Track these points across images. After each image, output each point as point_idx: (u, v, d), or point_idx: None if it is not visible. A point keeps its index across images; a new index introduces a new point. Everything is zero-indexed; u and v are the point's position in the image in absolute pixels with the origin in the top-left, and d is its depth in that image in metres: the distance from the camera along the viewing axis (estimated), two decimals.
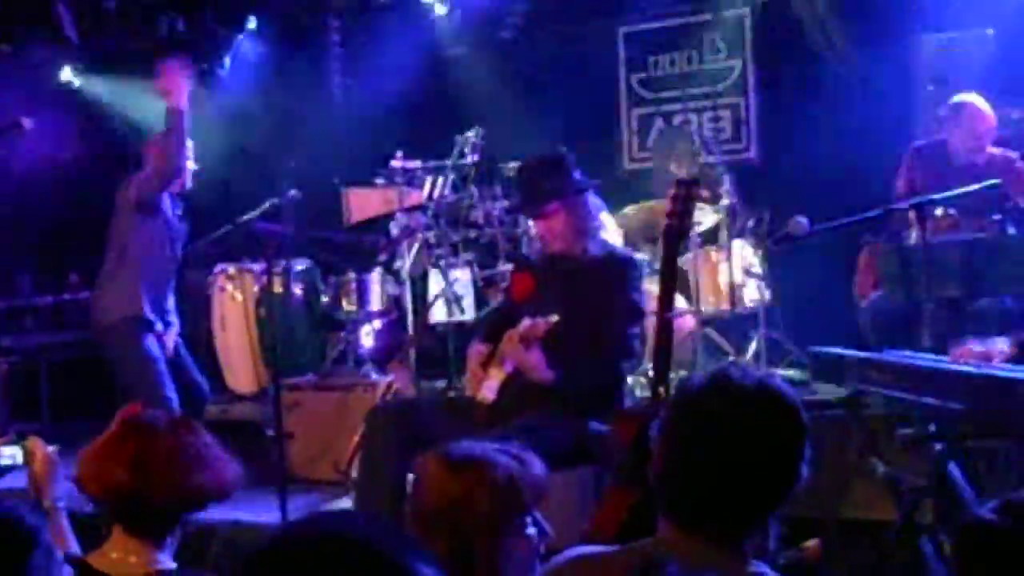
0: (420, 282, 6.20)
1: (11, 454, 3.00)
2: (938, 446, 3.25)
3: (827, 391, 4.43)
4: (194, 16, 7.47)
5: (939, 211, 4.50)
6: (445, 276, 5.97)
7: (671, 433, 1.91)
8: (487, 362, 3.97)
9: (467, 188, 6.19)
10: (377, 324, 6.23)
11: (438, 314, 6.01)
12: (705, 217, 5.81)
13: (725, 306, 5.78)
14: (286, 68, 7.90)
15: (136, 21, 7.25)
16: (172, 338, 5.14)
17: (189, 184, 5.13)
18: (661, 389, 3.23)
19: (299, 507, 4.59)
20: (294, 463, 5.28)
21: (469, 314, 6.04)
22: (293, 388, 5.64)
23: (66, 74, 7.88)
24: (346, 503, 4.71)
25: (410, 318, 6.04)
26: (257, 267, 6.38)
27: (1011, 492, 1.74)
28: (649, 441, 2.87)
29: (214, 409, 5.94)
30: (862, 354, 3.47)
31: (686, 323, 5.64)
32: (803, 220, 4.89)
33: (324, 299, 6.40)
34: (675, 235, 3.38)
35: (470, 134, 6.12)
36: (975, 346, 3.34)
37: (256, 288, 6.39)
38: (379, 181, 6.43)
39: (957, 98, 5.16)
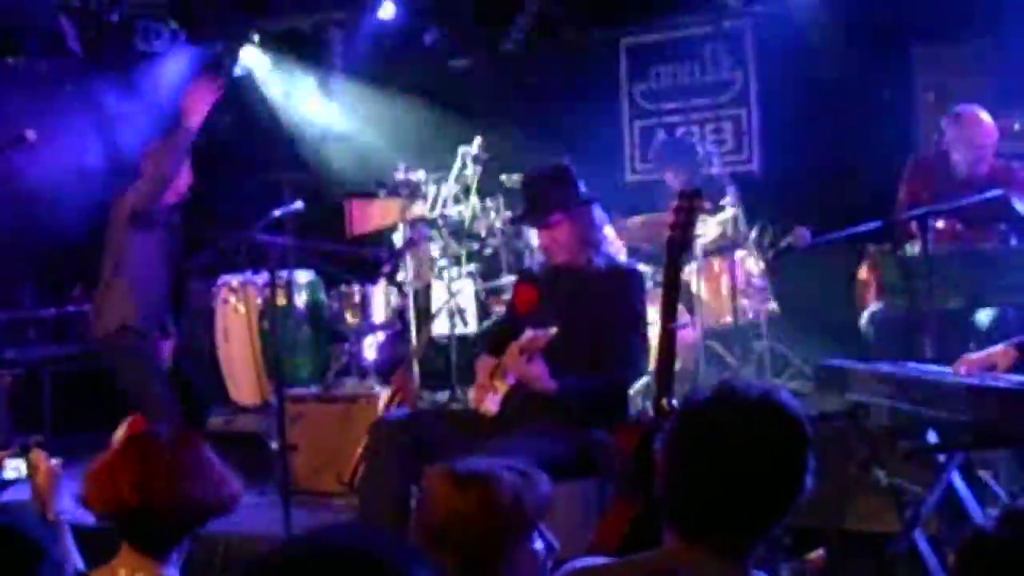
0: (423, 294, 6.21)
1: (14, 467, 3.01)
2: (941, 457, 3.25)
3: (830, 402, 4.43)
4: (197, 29, 7.50)
5: (940, 223, 4.51)
6: (448, 288, 5.97)
7: (676, 445, 1.92)
8: (493, 374, 3.97)
9: (470, 200, 6.20)
10: (380, 336, 6.23)
11: (441, 326, 6.02)
12: (708, 228, 5.81)
13: (728, 317, 5.79)
14: (289, 79, 7.92)
15: (139, 34, 7.27)
16: (170, 347, 5.15)
17: (187, 195, 5.14)
18: (664, 400, 3.23)
19: (303, 519, 4.58)
20: (297, 475, 5.28)
21: (472, 326, 6.04)
22: (296, 400, 5.64)
23: (69, 87, 7.89)
24: (350, 515, 4.71)
25: (413, 330, 6.04)
26: (260, 279, 6.38)
27: (1013, 502, 1.75)
28: (652, 452, 2.88)
29: (218, 421, 5.95)
30: (865, 366, 3.47)
31: (688, 334, 5.65)
32: (805, 231, 4.91)
33: (327, 311, 6.41)
34: (678, 246, 3.39)
35: (473, 146, 6.14)
36: (975, 355, 3.34)
37: (259, 300, 6.40)
38: (382, 193, 6.44)
39: (958, 108, 5.17)
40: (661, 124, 7.51)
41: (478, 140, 6.16)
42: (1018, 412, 2.79)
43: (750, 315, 5.80)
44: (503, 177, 6.22)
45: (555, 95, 7.41)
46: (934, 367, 3.39)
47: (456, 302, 5.95)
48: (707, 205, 5.63)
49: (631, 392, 4.19)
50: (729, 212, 5.85)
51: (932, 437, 3.41)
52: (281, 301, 6.03)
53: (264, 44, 7.79)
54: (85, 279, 7.14)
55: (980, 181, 4.88)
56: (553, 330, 3.67)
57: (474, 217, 6.20)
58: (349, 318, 6.13)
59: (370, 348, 6.19)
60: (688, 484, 1.88)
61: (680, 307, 4.04)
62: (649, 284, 5.01)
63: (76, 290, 7.51)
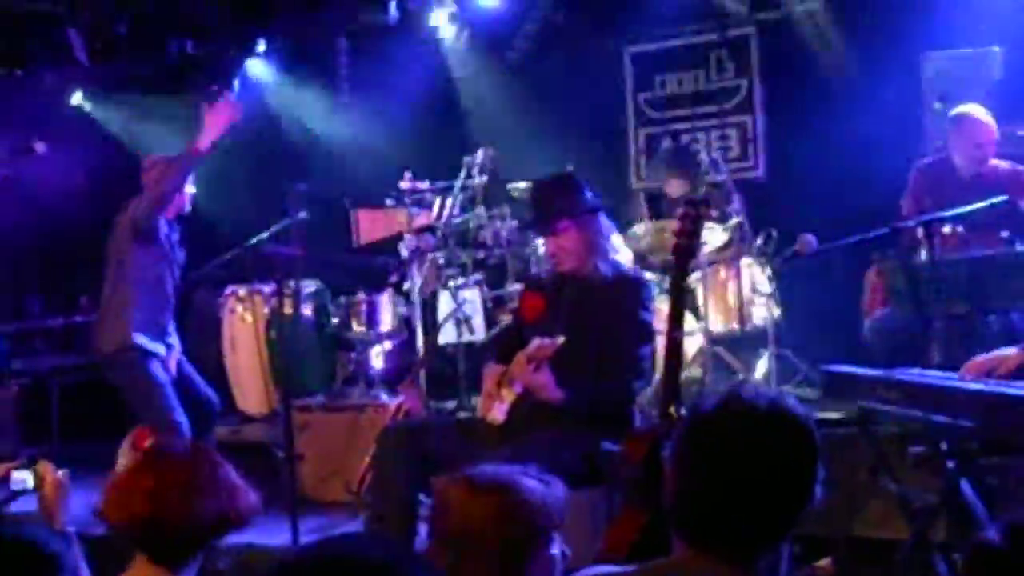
0: (430, 303, 6.21)
1: (22, 479, 3.01)
2: (950, 464, 3.23)
3: (837, 409, 4.43)
4: (204, 39, 7.52)
5: (947, 228, 4.50)
6: (455, 297, 5.98)
7: (684, 453, 1.92)
8: (500, 382, 3.97)
9: (476, 209, 6.21)
10: (387, 345, 6.24)
11: (448, 335, 6.02)
12: (713, 236, 5.81)
13: (734, 324, 5.78)
14: (295, 90, 7.94)
15: (147, 44, 7.29)
16: (174, 359, 5.15)
17: (188, 208, 5.16)
18: (671, 408, 3.23)
19: (311, 529, 4.59)
20: (305, 484, 5.28)
21: (479, 335, 6.05)
22: (304, 409, 5.65)
23: (77, 98, 7.93)
24: (357, 524, 4.71)
25: (420, 339, 6.05)
26: (267, 289, 6.40)
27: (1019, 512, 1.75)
28: (660, 460, 2.87)
29: (224, 431, 5.96)
30: (872, 372, 3.47)
31: (695, 342, 5.64)
32: (811, 238, 4.91)
33: (334, 320, 6.42)
34: (684, 254, 3.39)
35: (479, 155, 6.15)
36: (981, 357, 3.33)
37: (266, 310, 6.42)
38: (388, 202, 6.45)
39: (957, 109, 5.17)
40: (667, 132, 7.51)
41: (483, 149, 6.17)
42: None
43: (756, 322, 5.79)
44: (509, 186, 6.24)
45: (561, 104, 7.41)
46: (941, 373, 3.38)
47: (463, 311, 5.95)
48: (713, 212, 5.64)
49: (638, 400, 4.18)
50: (735, 219, 5.85)
51: (941, 444, 3.40)
52: (288, 310, 6.05)
53: (270, 54, 7.81)
54: (92, 290, 7.16)
55: (985, 184, 4.88)
56: (560, 339, 3.67)
57: (480, 226, 6.20)
58: (356, 327, 6.15)
59: (377, 357, 6.19)
60: (696, 492, 1.88)
61: (686, 315, 4.05)
62: (655, 292, 5.01)
63: (83, 301, 7.54)
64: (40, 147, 5.37)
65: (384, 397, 5.80)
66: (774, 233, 5.82)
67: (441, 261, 6.09)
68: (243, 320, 6.47)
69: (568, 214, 3.92)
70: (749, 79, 7.30)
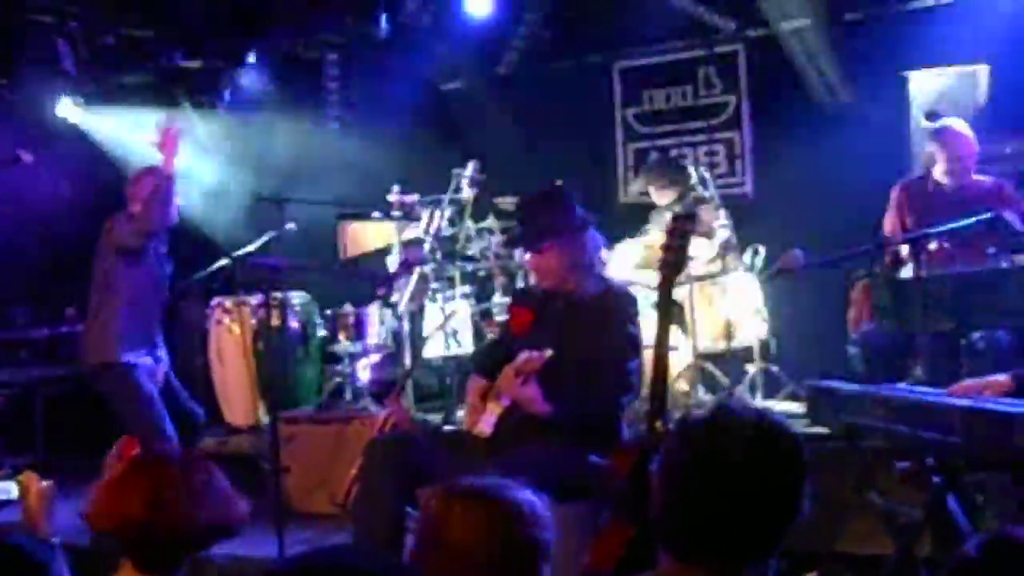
0: (417, 316, 6.21)
1: (6, 488, 3.00)
2: (935, 479, 3.25)
3: (823, 424, 4.44)
4: (193, 50, 7.52)
5: (933, 244, 4.52)
6: (442, 310, 5.98)
7: (671, 467, 1.92)
8: (486, 396, 3.97)
9: (464, 222, 6.22)
10: (374, 357, 6.23)
11: (435, 348, 6.02)
12: (701, 251, 5.83)
13: (721, 339, 5.79)
14: (284, 102, 7.94)
15: (135, 55, 7.29)
16: (161, 371, 5.15)
17: (175, 219, 5.16)
18: (658, 422, 3.23)
19: (297, 541, 4.58)
20: (291, 496, 5.27)
21: (466, 348, 6.05)
22: (290, 421, 5.64)
23: (64, 108, 7.91)
24: (344, 537, 4.69)
25: (407, 352, 6.04)
26: (254, 300, 6.39)
27: (1008, 526, 1.76)
28: (647, 474, 2.88)
29: (211, 442, 5.94)
30: (858, 388, 3.48)
31: (682, 357, 5.65)
32: (798, 253, 4.92)
33: (321, 332, 6.41)
34: (671, 269, 3.40)
35: (467, 168, 6.16)
36: (970, 381, 3.35)
37: (253, 321, 6.41)
38: (376, 215, 6.45)
39: (938, 123, 5.21)
40: (654, 147, 7.55)
41: (472, 163, 6.18)
42: (1011, 435, 2.79)
43: (743, 337, 5.81)
44: (497, 200, 6.24)
45: (549, 118, 7.44)
46: (927, 389, 3.40)
47: (450, 324, 5.95)
48: (700, 228, 5.65)
49: (625, 414, 4.19)
50: (722, 235, 5.87)
51: (927, 459, 3.41)
52: (275, 322, 6.03)
53: (260, 66, 7.80)
54: (78, 301, 7.14)
55: (968, 198, 4.91)
56: (548, 352, 3.67)
57: (468, 239, 6.21)
58: (343, 339, 6.14)
59: (364, 370, 6.19)
60: (683, 506, 1.88)
61: (673, 329, 4.06)
62: (642, 307, 5.02)
63: (69, 311, 7.51)
64: (26, 157, 5.35)
65: (371, 409, 5.80)
66: (761, 249, 5.85)
67: (429, 274, 6.09)
68: (230, 332, 6.46)
69: (552, 233, 3.91)
70: (737, 95, 7.34)
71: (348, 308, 6.16)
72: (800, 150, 6.47)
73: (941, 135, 5.12)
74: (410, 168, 6.92)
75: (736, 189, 7.21)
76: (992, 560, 1.69)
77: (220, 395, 6.49)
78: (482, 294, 6.36)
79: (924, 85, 6.02)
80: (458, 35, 7.32)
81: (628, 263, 5.96)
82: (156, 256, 5.14)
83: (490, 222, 6.23)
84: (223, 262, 6.04)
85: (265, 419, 5.71)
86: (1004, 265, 4.66)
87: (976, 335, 4.45)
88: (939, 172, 5.11)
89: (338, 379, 6.22)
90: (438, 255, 6.09)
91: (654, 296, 4.98)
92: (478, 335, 6.15)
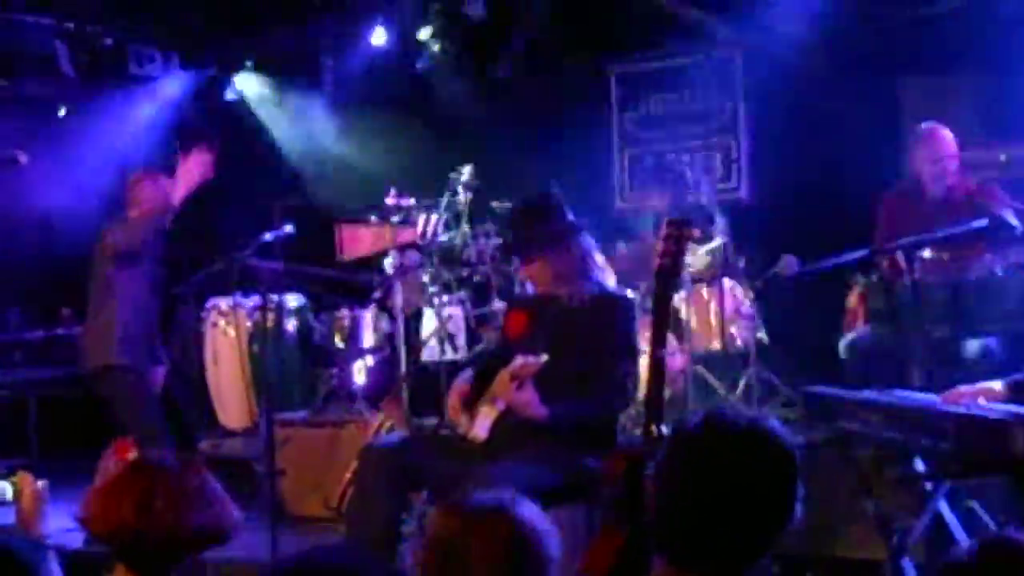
0: (413, 320, 6.21)
1: (0, 489, 3.00)
2: (928, 485, 3.26)
3: (817, 430, 4.45)
4: (190, 54, 7.52)
5: (927, 252, 4.53)
6: (438, 314, 5.98)
7: (666, 472, 1.93)
8: (474, 398, 3.97)
9: (460, 226, 6.22)
10: (370, 361, 6.23)
11: (431, 352, 6.02)
12: (696, 256, 5.84)
13: (716, 344, 5.80)
14: (281, 105, 7.95)
15: (133, 58, 7.29)
16: (161, 374, 5.15)
17: (167, 223, 5.17)
18: (653, 427, 3.23)
19: (291, 544, 4.56)
20: (285, 500, 5.26)
21: (462, 352, 6.05)
22: (285, 424, 5.63)
23: (62, 111, 7.91)
24: (337, 540, 4.69)
25: (403, 355, 6.04)
26: (250, 303, 6.38)
27: (999, 530, 1.77)
28: (642, 479, 2.88)
29: (205, 445, 5.94)
30: (852, 393, 3.49)
31: (677, 361, 5.66)
32: (793, 259, 4.94)
33: (317, 335, 6.41)
34: (667, 274, 3.40)
35: (464, 173, 6.16)
36: (964, 388, 3.36)
37: (249, 324, 6.40)
38: (372, 218, 6.45)
39: (921, 127, 5.22)
40: (651, 152, 7.56)
41: (469, 167, 6.19)
42: (1004, 441, 2.81)
43: (738, 343, 5.82)
44: (494, 204, 6.25)
45: (546, 123, 7.45)
46: (921, 395, 3.41)
47: (446, 328, 5.96)
48: (696, 233, 5.66)
49: (620, 419, 4.19)
50: (718, 240, 5.88)
51: (919, 465, 3.42)
52: (271, 325, 6.03)
53: (257, 69, 7.81)
54: (73, 302, 7.13)
55: (955, 202, 4.93)
56: (544, 357, 3.67)
57: (464, 243, 6.21)
58: (338, 343, 6.14)
59: (359, 373, 6.18)
60: (678, 511, 1.89)
61: (669, 335, 4.06)
62: (638, 312, 5.03)
63: (64, 312, 7.49)
64: (22, 157, 5.36)
65: (366, 413, 5.79)
66: (756, 254, 5.86)
67: (425, 278, 6.10)
68: (225, 334, 6.45)
69: (541, 243, 3.90)
70: (733, 101, 7.35)
71: (344, 311, 6.16)
72: (795, 156, 6.49)
73: (922, 138, 5.14)
74: (407, 172, 6.92)
75: (732, 195, 7.23)
76: (986, 563, 1.70)
77: (215, 398, 6.49)
78: (478, 298, 6.36)
79: (917, 92, 6.04)
80: (455, 39, 7.33)
81: (623, 267, 5.97)
82: (154, 259, 5.14)
83: (487, 226, 6.23)
84: (219, 264, 6.03)
85: (260, 422, 5.70)
86: (999, 271, 4.68)
87: (970, 342, 4.46)
88: (923, 176, 5.13)
89: (333, 382, 6.22)
90: (434, 259, 6.09)
91: (649, 301, 5.00)
92: (474, 339, 6.15)
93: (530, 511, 2.06)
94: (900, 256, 4.22)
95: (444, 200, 6.12)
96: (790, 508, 1.88)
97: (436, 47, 7.46)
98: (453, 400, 3.98)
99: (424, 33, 7.46)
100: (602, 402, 3.83)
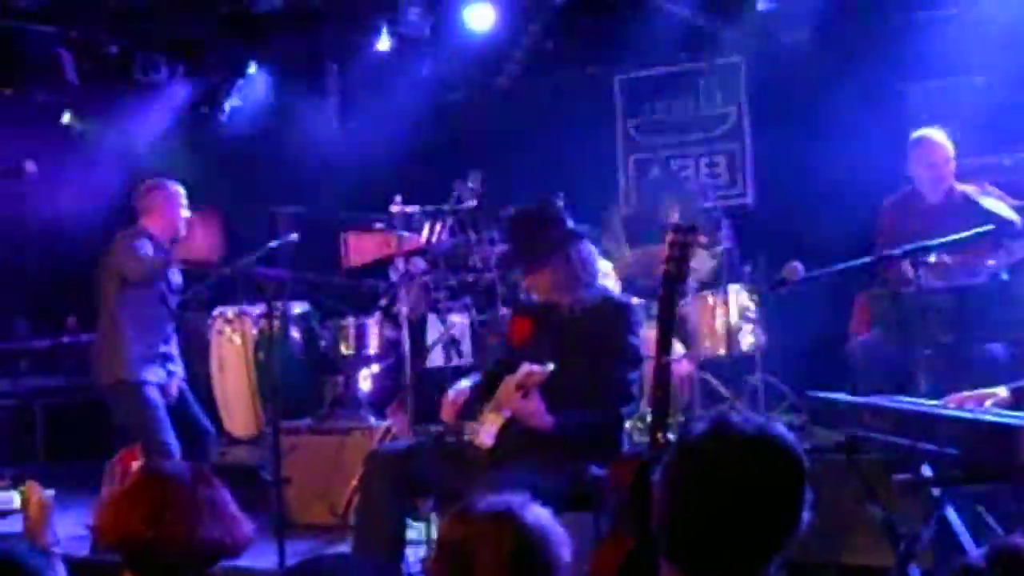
0: (418, 326, 6.21)
1: (7, 498, 3.00)
2: (936, 491, 3.25)
3: (824, 436, 4.44)
4: (195, 61, 7.54)
5: (933, 257, 4.52)
6: (443, 320, 5.98)
7: (673, 479, 1.92)
8: (479, 405, 3.97)
9: (465, 233, 6.22)
10: (375, 368, 6.23)
11: (436, 358, 6.02)
12: (702, 262, 5.84)
13: (722, 350, 5.80)
14: (285, 113, 7.96)
15: (138, 65, 7.31)
16: (175, 385, 5.15)
17: (183, 232, 5.18)
18: (659, 434, 3.23)
19: (297, 552, 4.57)
20: (290, 507, 5.26)
21: (467, 358, 6.04)
22: (290, 432, 5.63)
23: (66, 118, 7.93)
24: (343, 548, 4.69)
25: (408, 362, 6.04)
26: (256, 310, 6.39)
27: (1007, 536, 1.77)
28: (648, 485, 2.88)
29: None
30: (858, 399, 3.48)
31: (683, 368, 5.66)
32: (798, 265, 4.92)
33: (322, 343, 6.41)
34: (673, 280, 3.40)
35: (468, 179, 6.17)
36: (967, 393, 3.35)
37: (254, 331, 6.41)
38: (378, 225, 6.46)
39: (915, 134, 5.22)
40: (655, 158, 7.56)
41: (474, 174, 6.19)
42: (1012, 447, 2.80)
43: (744, 348, 5.82)
44: (499, 210, 6.25)
45: (551, 129, 7.46)
46: (927, 401, 3.40)
47: (451, 334, 5.96)
48: (702, 239, 5.66)
49: (626, 425, 4.18)
50: (723, 246, 5.88)
51: (927, 471, 3.41)
52: (276, 332, 6.04)
53: (261, 76, 7.83)
54: (79, 311, 7.14)
55: (954, 206, 4.93)
56: (550, 367, 3.66)
57: (470, 250, 6.21)
58: (344, 350, 6.14)
59: (365, 380, 6.19)
60: (685, 518, 1.88)
61: (675, 341, 4.06)
62: (643, 318, 5.02)
63: (70, 322, 7.51)
64: (30, 167, 5.38)
65: (371, 420, 5.79)
66: (762, 260, 5.85)
67: (430, 285, 6.10)
68: (231, 342, 6.46)
69: (540, 253, 3.90)
70: (738, 107, 7.36)
71: (349, 319, 6.17)
72: (800, 161, 6.48)
73: (917, 144, 5.15)
74: (412, 179, 6.93)
75: (737, 200, 7.22)
76: (998, 569, 1.69)
77: (221, 405, 6.49)
78: (483, 305, 6.36)
79: (922, 96, 6.04)
80: (459, 46, 7.34)
81: (627, 273, 5.97)
82: (167, 265, 5.15)
83: (491, 233, 6.23)
84: (225, 272, 6.04)
85: (266, 429, 5.70)
86: (1004, 275, 4.67)
87: (974, 348, 4.46)
88: (919, 181, 5.13)
89: (339, 390, 6.22)
90: (439, 266, 6.09)
91: (654, 307, 5.00)
92: (479, 346, 6.15)
93: (540, 515, 2.05)
94: (905, 264, 4.21)
95: (449, 207, 6.12)
96: (798, 514, 1.88)
97: (441, 55, 7.46)
98: (448, 410, 3.98)
99: (429, 41, 7.46)
100: (607, 408, 3.82)
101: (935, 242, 4.31)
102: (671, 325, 3.39)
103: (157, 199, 5.16)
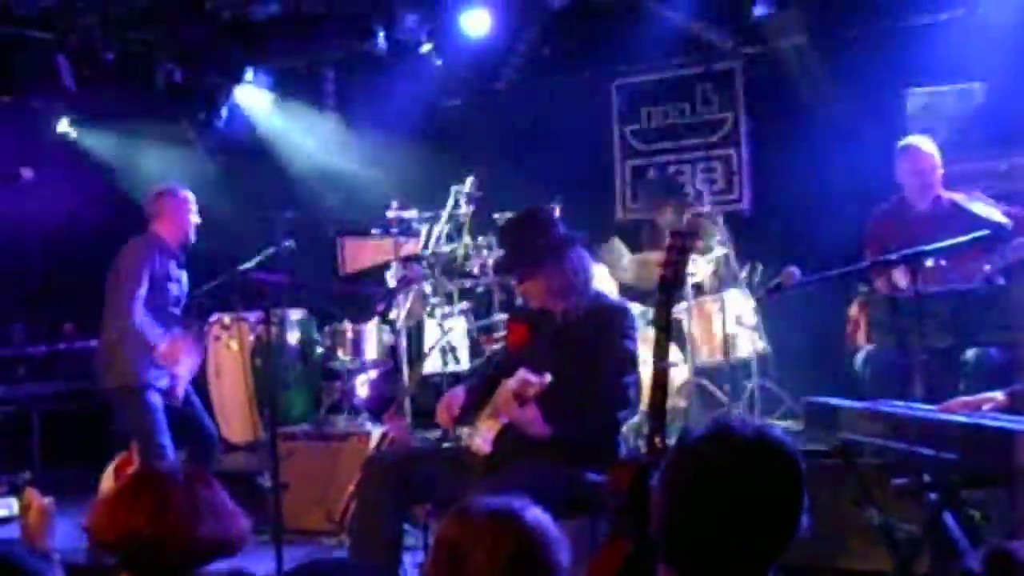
0: (415, 332, 6.21)
1: (6, 505, 3.00)
2: (932, 495, 3.25)
3: (820, 440, 4.44)
4: (192, 67, 7.54)
5: (929, 262, 4.54)
6: (440, 326, 5.98)
7: (671, 483, 1.92)
8: (476, 410, 3.97)
9: (462, 238, 6.23)
10: (372, 374, 6.23)
11: (433, 364, 6.02)
12: (698, 267, 5.85)
13: (719, 356, 5.80)
14: (283, 118, 7.97)
15: (134, 72, 7.31)
16: (181, 388, 5.15)
17: (192, 238, 5.21)
18: (656, 439, 3.23)
19: (295, 558, 4.56)
20: (288, 513, 5.25)
21: (464, 364, 6.05)
22: (287, 438, 5.63)
23: (64, 125, 7.93)
24: (340, 554, 4.69)
25: (405, 368, 6.05)
26: (253, 316, 6.39)
27: (1004, 540, 1.77)
28: (645, 490, 2.88)
29: None
30: (855, 404, 3.49)
31: (680, 373, 5.66)
32: (795, 270, 4.93)
33: (320, 349, 6.41)
34: (669, 285, 3.41)
35: (465, 185, 6.18)
36: (964, 398, 3.36)
37: (252, 337, 6.41)
38: (375, 231, 6.47)
39: (902, 142, 5.23)
40: (652, 164, 7.57)
41: (471, 179, 6.20)
42: (1008, 451, 2.80)
43: (741, 353, 5.82)
44: (496, 215, 6.26)
45: (547, 134, 7.47)
46: (924, 406, 3.40)
47: (448, 340, 5.96)
48: (699, 244, 5.67)
49: (623, 430, 4.18)
50: (720, 251, 5.89)
51: (923, 476, 3.41)
52: (274, 339, 6.03)
53: (259, 83, 7.83)
54: (76, 317, 7.14)
55: (942, 213, 4.94)
56: (548, 378, 3.66)
57: (466, 255, 6.22)
58: (341, 356, 6.14)
59: (362, 386, 6.19)
60: (684, 522, 1.89)
61: (671, 346, 4.06)
62: (640, 323, 5.03)
63: (67, 328, 7.50)
64: (27, 173, 5.38)
65: (369, 426, 5.79)
66: (758, 265, 5.86)
67: (427, 290, 6.10)
68: (228, 348, 6.45)
69: (533, 260, 3.90)
70: (734, 112, 7.37)
71: (346, 324, 6.17)
72: (797, 167, 6.49)
73: (903, 152, 5.16)
74: (408, 184, 6.94)
75: (734, 206, 7.23)
76: (994, 573, 1.70)
77: (218, 412, 6.48)
78: (480, 310, 6.37)
79: (920, 103, 6.05)
80: (456, 51, 7.35)
81: (625, 279, 5.98)
82: (169, 276, 5.16)
83: (488, 238, 6.24)
84: (222, 278, 6.05)
85: (263, 436, 5.70)
86: (1000, 281, 4.68)
87: (970, 352, 4.46)
88: (906, 189, 5.14)
89: (336, 395, 6.22)
90: (436, 271, 6.10)
91: (651, 313, 5.01)
92: (476, 352, 6.16)
93: (539, 517, 2.06)
94: (899, 271, 4.22)
95: (446, 212, 6.13)
96: (797, 518, 1.88)
97: (438, 61, 7.48)
98: (444, 414, 3.98)
99: (426, 47, 7.47)
100: (604, 414, 3.82)
101: (932, 247, 4.32)
102: (668, 330, 3.39)
103: (167, 205, 5.19)
